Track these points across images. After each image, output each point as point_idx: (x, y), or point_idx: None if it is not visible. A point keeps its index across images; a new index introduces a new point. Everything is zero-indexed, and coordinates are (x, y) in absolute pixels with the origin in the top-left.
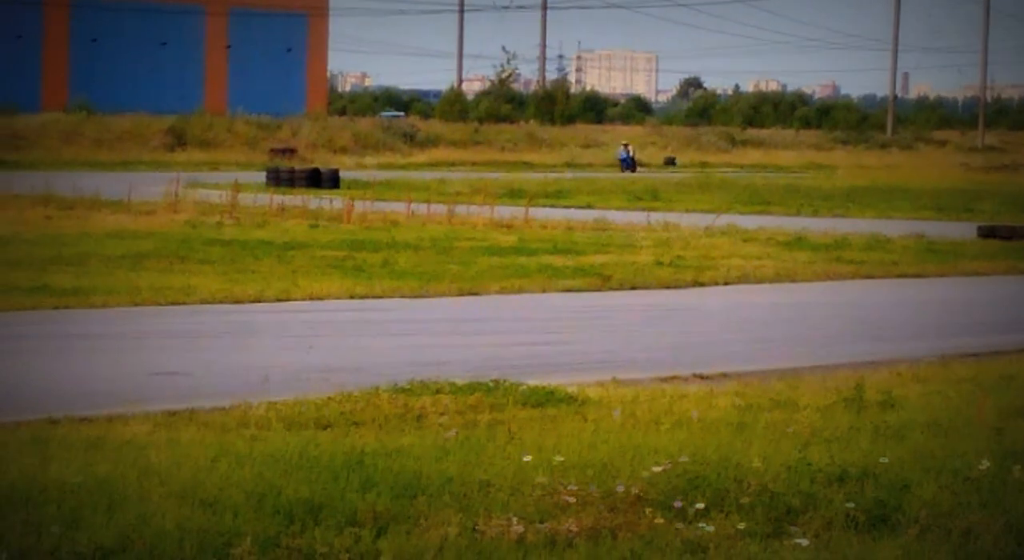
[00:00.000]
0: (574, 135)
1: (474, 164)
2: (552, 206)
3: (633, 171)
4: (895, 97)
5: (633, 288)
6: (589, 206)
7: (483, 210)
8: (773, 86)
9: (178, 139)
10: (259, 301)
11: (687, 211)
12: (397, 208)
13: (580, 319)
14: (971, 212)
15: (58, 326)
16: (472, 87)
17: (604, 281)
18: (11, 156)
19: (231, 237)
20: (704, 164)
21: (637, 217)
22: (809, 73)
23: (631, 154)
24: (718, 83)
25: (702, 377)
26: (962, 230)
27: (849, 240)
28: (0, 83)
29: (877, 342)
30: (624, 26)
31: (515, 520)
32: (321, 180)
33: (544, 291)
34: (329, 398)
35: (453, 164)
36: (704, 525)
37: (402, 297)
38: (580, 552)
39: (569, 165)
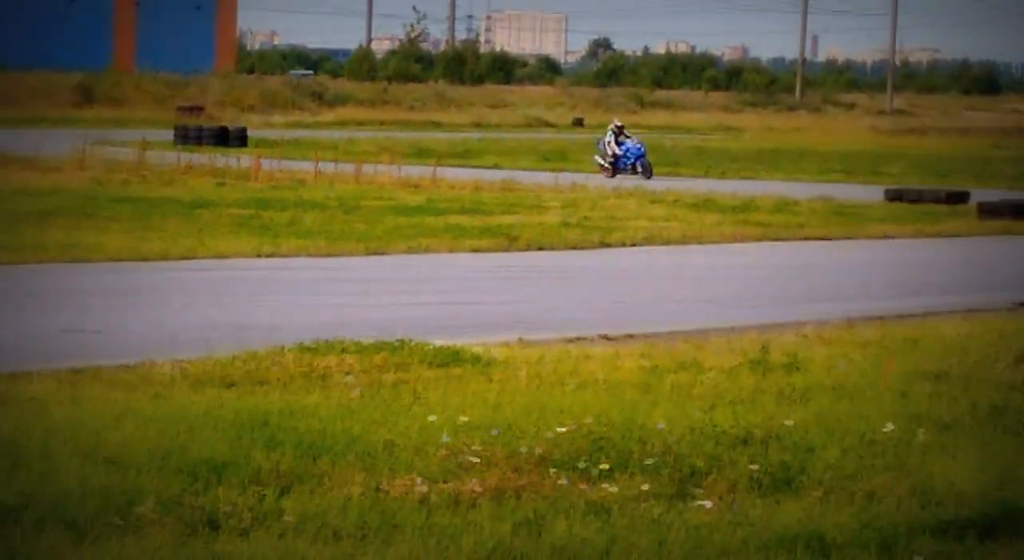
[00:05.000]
0: (483, 95)
1: (382, 123)
2: (460, 166)
3: None
4: (804, 60)
5: (540, 249)
6: (497, 166)
7: (391, 170)
8: (683, 48)
9: (86, 96)
10: (165, 259)
11: (594, 172)
12: (305, 167)
13: (487, 279)
14: (879, 175)
15: None
16: (382, 46)
17: (511, 241)
18: None
19: (138, 195)
20: None
21: (545, 178)
22: (719, 35)
23: None
24: (627, 44)
25: (608, 338)
26: (870, 193)
27: (756, 202)
28: None
29: (783, 304)
30: None
31: (419, 480)
32: (229, 138)
33: (451, 251)
34: (234, 357)
35: (361, 123)
36: (608, 486)
37: (309, 256)
38: (483, 512)
39: (477, 125)
